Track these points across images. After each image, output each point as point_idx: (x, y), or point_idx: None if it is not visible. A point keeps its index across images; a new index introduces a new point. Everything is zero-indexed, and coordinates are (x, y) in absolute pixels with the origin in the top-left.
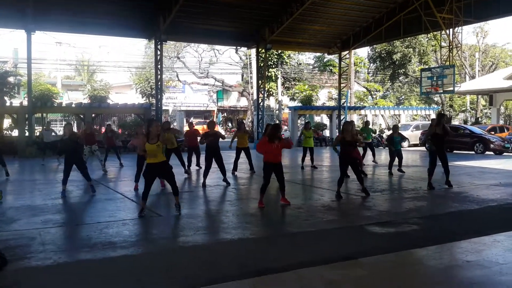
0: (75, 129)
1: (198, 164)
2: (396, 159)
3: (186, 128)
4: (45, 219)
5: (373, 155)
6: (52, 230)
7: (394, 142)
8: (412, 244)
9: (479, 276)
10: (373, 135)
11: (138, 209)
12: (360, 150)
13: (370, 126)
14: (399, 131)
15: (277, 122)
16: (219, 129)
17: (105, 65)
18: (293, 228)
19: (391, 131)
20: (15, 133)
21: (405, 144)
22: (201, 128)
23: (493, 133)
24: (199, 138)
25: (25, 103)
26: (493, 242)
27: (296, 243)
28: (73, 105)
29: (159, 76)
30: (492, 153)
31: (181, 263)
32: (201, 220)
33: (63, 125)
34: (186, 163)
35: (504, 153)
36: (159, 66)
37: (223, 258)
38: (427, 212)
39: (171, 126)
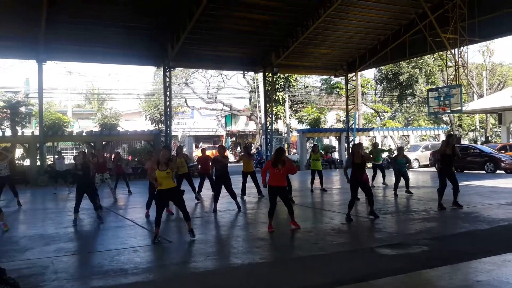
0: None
1: (213, 190)
2: (403, 180)
3: (195, 153)
4: (57, 248)
5: (383, 177)
6: (65, 258)
7: (398, 164)
8: (423, 265)
9: None
10: (383, 155)
11: (151, 236)
12: (370, 172)
13: (380, 147)
14: (404, 153)
15: (283, 145)
16: (228, 153)
17: (115, 93)
18: (303, 251)
19: (397, 153)
20: (27, 162)
21: (415, 164)
22: (210, 153)
23: (503, 152)
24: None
25: (37, 132)
26: (503, 262)
27: (307, 266)
28: (84, 134)
29: (168, 103)
30: (503, 172)
31: None
32: (211, 246)
33: (76, 154)
34: (197, 189)
35: None
36: (168, 93)
37: (233, 283)
38: (437, 233)
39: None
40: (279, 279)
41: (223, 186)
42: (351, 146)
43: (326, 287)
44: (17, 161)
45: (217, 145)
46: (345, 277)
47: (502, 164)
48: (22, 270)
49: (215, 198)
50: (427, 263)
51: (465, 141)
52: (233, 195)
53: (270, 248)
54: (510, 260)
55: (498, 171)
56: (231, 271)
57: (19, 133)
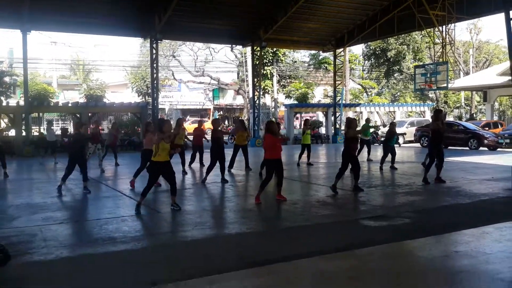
0: (71, 128)
1: (201, 163)
2: (390, 156)
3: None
4: (45, 217)
5: (368, 152)
6: (53, 227)
7: (393, 139)
8: (404, 236)
9: (466, 265)
10: (371, 130)
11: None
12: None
13: (371, 124)
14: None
15: (273, 119)
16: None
17: (101, 64)
18: (289, 222)
19: (388, 128)
20: (12, 132)
21: (400, 140)
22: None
23: (487, 129)
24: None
25: (22, 102)
26: (481, 234)
27: (292, 237)
28: (70, 105)
29: (155, 75)
30: (486, 148)
31: (180, 256)
32: (199, 216)
33: (75, 123)
34: (189, 161)
35: (498, 149)
36: (154, 65)
37: (221, 251)
38: (420, 206)
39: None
40: (265, 248)
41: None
42: (338, 119)
43: (311, 256)
44: (2, 132)
45: (204, 119)
46: (329, 247)
47: (485, 141)
48: (10, 238)
49: (209, 170)
50: (409, 235)
51: (450, 118)
52: (223, 169)
53: (257, 219)
54: (488, 232)
55: (481, 148)
56: (219, 241)
57: (4, 103)
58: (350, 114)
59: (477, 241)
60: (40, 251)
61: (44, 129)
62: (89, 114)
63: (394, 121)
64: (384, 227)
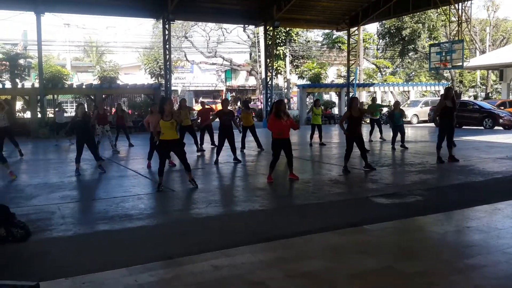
0: (86, 109)
1: (213, 143)
2: (399, 135)
3: (196, 108)
4: (62, 195)
5: (380, 132)
6: (70, 205)
7: (395, 117)
8: (416, 213)
9: (477, 240)
10: (383, 110)
11: (154, 185)
12: (367, 126)
13: (378, 102)
14: (400, 107)
15: (281, 99)
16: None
17: (114, 46)
18: (301, 200)
19: (393, 108)
20: (28, 114)
21: (414, 120)
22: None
23: (502, 108)
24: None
25: (37, 84)
26: (494, 210)
27: (304, 214)
28: (84, 86)
29: (167, 56)
30: (501, 128)
31: (195, 231)
32: (212, 195)
33: (75, 106)
34: (199, 142)
35: None
36: (167, 46)
37: (234, 227)
38: (432, 184)
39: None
40: (278, 224)
41: (226, 140)
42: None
43: (322, 231)
44: (18, 113)
45: (217, 100)
46: (341, 222)
47: (501, 120)
48: (30, 215)
49: (218, 151)
50: (421, 212)
51: (465, 97)
52: (234, 149)
53: (269, 197)
54: (500, 208)
55: (496, 127)
56: (232, 217)
57: (19, 86)
58: (364, 94)
59: (489, 217)
60: (59, 227)
61: (55, 111)
62: (103, 96)
63: (398, 100)
64: (396, 204)
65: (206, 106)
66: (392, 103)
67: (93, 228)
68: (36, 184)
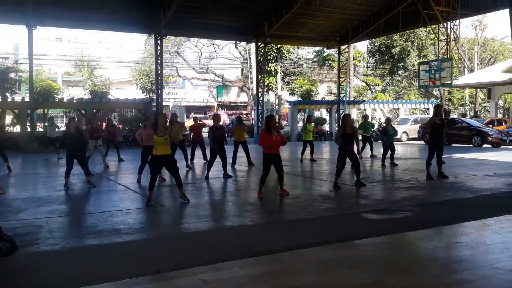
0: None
1: (205, 158)
2: (389, 152)
3: (187, 123)
4: (51, 209)
5: (371, 149)
6: (59, 219)
7: (388, 134)
8: (406, 229)
9: (466, 255)
10: (372, 129)
11: (143, 200)
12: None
13: (369, 120)
14: (392, 125)
15: (272, 114)
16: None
17: (105, 61)
18: (291, 215)
19: (384, 124)
20: (17, 128)
21: (404, 137)
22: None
23: (491, 126)
24: (206, 132)
25: (27, 98)
26: (482, 226)
27: (295, 229)
28: (74, 101)
29: (159, 71)
30: (490, 146)
31: (184, 246)
32: (202, 209)
33: (67, 120)
34: (190, 157)
35: (502, 146)
36: (159, 61)
37: (224, 242)
38: (422, 200)
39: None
40: (268, 239)
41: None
42: (342, 117)
43: (312, 246)
44: (7, 127)
45: (207, 116)
46: (331, 237)
47: (489, 138)
48: (17, 229)
49: (209, 166)
50: (410, 227)
51: (454, 115)
52: (225, 165)
53: (260, 212)
54: (489, 224)
55: (485, 145)
56: (222, 232)
57: (9, 99)
58: (354, 111)
59: (478, 232)
60: (46, 241)
61: (47, 125)
62: (94, 110)
63: (389, 117)
64: (386, 220)
65: (199, 122)
66: (382, 120)
67: (81, 242)
68: (24, 198)
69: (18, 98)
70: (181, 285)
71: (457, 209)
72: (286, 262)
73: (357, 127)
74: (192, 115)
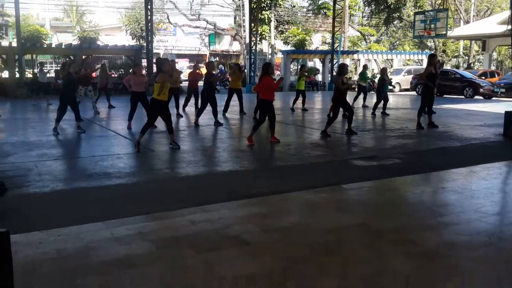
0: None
1: (197, 106)
2: (382, 101)
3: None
4: (40, 153)
5: (364, 98)
6: (48, 162)
7: (386, 84)
8: (394, 175)
9: (452, 200)
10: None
11: (134, 145)
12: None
13: (367, 70)
14: (387, 74)
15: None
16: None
17: (94, 6)
18: (281, 162)
19: (379, 75)
20: (5, 74)
21: (396, 88)
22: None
23: (483, 78)
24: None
25: (14, 44)
26: (469, 172)
27: (284, 175)
28: (63, 46)
29: (149, 17)
30: (481, 97)
31: (174, 189)
32: (193, 155)
33: (61, 65)
34: (184, 103)
35: (493, 98)
36: (149, 7)
37: (213, 186)
38: (411, 148)
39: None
40: (257, 184)
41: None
42: (335, 66)
43: (301, 190)
44: None
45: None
46: (319, 183)
47: (481, 90)
48: (6, 172)
49: (200, 112)
50: (398, 173)
51: (448, 67)
52: (216, 112)
53: (250, 159)
54: (476, 171)
55: (476, 96)
56: (212, 177)
57: None
58: (348, 61)
59: (464, 179)
60: (36, 184)
61: (37, 70)
62: (83, 57)
63: (385, 67)
64: (374, 166)
65: (198, 71)
66: (376, 71)
67: (71, 185)
68: (14, 142)
69: (5, 43)
70: (170, 225)
71: (445, 157)
72: (273, 205)
73: (356, 76)
74: (189, 63)
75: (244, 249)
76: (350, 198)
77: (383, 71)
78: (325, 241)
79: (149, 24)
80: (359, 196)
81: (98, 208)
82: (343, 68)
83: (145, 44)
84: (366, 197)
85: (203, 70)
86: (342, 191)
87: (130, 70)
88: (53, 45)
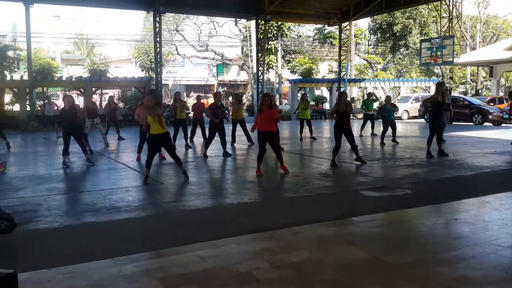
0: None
1: (204, 137)
2: (390, 129)
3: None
4: (49, 187)
5: (372, 127)
6: (57, 197)
7: (386, 112)
8: (405, 206)
9: (465, 232)
10: (375, 106)
11: (142, 178)
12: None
13: (373, 98)
14: (392, 102)
15: (269, 91)
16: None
17: (104, 39)
18: (290, 193)
19: (384, 102)
20: (16, 107)
21: (404, 115)
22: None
23: (492, 104)
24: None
25: (26, 77)
26: (482, 203)
27: (293, 206)
28: (73, 79)
29: (158, 49)
30: (490, 124)
31: (182, 223)
32: (201, 187)
33: (62, 97)
34: (190, 135)
35: (503, 124)
36: (158, 39)
37: (222, 219)
38: (422, 178)
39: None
40: (266, 217)
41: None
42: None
43: (311, 223)
44: (6, 106)
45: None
46: (329, 214)
47: (490, 116)
48: (15, 207)
49: (208, 143)
50: (409, 204)
51: (455, 94)
52: (224, 143)
53: (258, 190)
54: (488, 201)
55: (485, 123)
56: (221, 209)
57: (8, 78)
58: (355, 89)
59: (477, 209)
60: (45, 219)
61: (43, 103)
62: (93, 89)
63: (389, 95)
64: (384, 197)
65: (201, 101)
66: (383, 99)
67: (80, 220)
68: (23, 176)
69: (17, 76)
70: (179, 261)
71: (456, 186)
72: (283, 239)
73: (360, 105)
74: (192, 94)
75: (254, 287)
76: (361, 231)
77: (387, 99)
78: (337, 277)
79: (158, 56)
80: (371, 229)
81: (107, 244)
82: (340, 96)
83: (154, 76)
84: (378, 230)
85: (211, 100)
86: (353, 224)
87: (139, 102)
88: (64, 78)
